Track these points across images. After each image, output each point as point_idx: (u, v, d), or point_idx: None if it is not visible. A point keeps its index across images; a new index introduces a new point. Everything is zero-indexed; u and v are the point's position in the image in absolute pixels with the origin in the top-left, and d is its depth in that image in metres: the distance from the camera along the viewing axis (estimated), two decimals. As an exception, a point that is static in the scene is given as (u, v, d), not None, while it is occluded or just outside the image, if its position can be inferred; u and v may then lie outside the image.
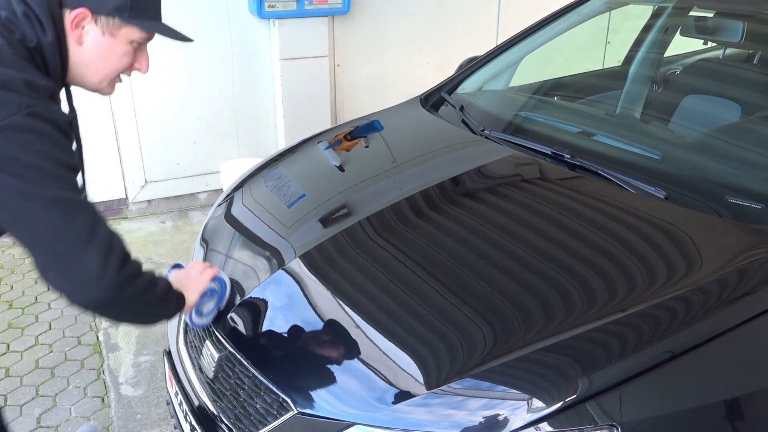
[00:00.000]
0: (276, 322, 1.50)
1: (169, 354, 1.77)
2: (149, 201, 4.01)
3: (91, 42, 1.16)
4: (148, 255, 3.50)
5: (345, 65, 4.24)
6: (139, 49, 1.23)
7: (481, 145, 2.01)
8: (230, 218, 2.00)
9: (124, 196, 3.95)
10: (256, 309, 1.54)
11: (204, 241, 1.97)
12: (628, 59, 2.87)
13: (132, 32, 1.18)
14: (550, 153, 1.86)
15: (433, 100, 2.48)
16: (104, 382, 2.55)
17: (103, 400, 2.47)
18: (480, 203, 1.73)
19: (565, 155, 1.81)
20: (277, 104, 4.04)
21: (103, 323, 2.91)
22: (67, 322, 2.93)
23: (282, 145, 4.05)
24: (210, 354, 1.52)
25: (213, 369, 1.49)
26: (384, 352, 1.31)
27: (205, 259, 1.91)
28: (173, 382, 1.66)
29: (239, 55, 3.91)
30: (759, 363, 1.26)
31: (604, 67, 3.47)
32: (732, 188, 1.66)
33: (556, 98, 2.61)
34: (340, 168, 2.10)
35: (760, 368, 1.26)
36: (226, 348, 1.48)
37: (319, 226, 1.74)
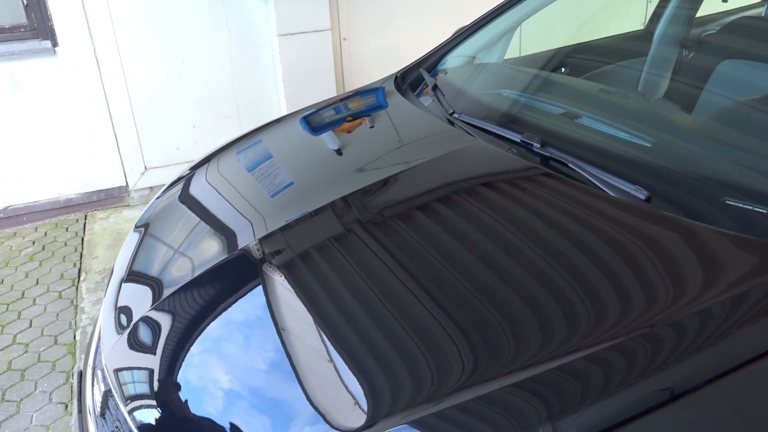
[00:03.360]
0: (178, 343, 1.28)
1: (80, 375, 1.59)
2: (151, 188, 3.88)
3: None
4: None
5: (351, 38, 3.95)
6: None
7: (445, 132, 1.71)
8: (179, 201, 1.80)
9: (125, 184, 3.83)
10: (164, 321, 1.32)
11: (146, 224, 1.78)
12: (654, 20, 2.47)
13: None
14: (519, 141, 1.54)
15: (411, 77, 2.19)
16: (71, 387, 2.43)
17: (66, 407, 2.35)
18: (423, 210, 1.44)
19: (534, 144, 1.49)
20: (278, 83, 3.81)
21: (83, 321, 2.80)
22: (48, 319, 2.83)
23: (286, 127, 3.83)
24: (98, 385, 1.32)
25: (99, 405, 1.30)
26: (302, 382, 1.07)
27: (140, 245, 1.71)
28: (76, 409, 1.47)
29: (236, 32, 3.69)
30: None
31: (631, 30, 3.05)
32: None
33: (556, 71, 2.25)
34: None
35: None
36: (108, 382, 1.28)
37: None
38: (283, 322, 1.19)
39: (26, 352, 2.65)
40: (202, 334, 1.25)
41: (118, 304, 1.50)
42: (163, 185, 2.16)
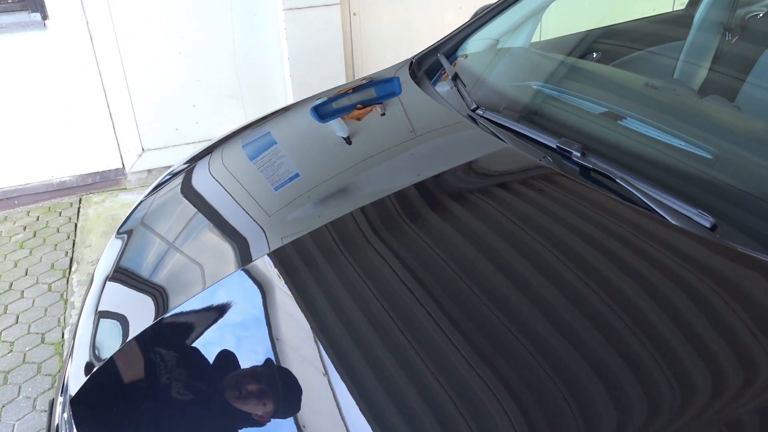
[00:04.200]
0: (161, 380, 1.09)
1: (51, 405, 1.41)
2: (149, 171, 3.68)
3: None
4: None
5: (362, 13, 3.69)
6: None
7: (468, 133, 1.49)
8: (180, 197, 1.61)
9: (121, 166, 3.63)
10: (147, 360, 1.13)
11: (130, 230, 1.59)
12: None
13: None
14: (555, 147, 1.33)
15: (428, 63, 1.96)
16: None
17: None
18: (444, 237, 1.23)
19: (573, 152, 1.27)
20: (283, 61, 3.57)
21: (72, 317, 2.63)
22: (35, 314, 2.66)
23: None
24: (62, 418, 1.14)
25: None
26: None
27: (125, 248, 1.53)
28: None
29: (239, 5, 3.44)
30: None
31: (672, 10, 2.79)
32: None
33: (587, 58, 2.02)
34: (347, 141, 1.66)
35: None
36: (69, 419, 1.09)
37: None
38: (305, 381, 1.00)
39: (11, 351, 2.49)
40: (198, 384, 1.06)
41: (96, 332, 1.31)
42: (163, 170, 1.97)
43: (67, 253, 3.11)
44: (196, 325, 1.16)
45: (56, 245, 3.17)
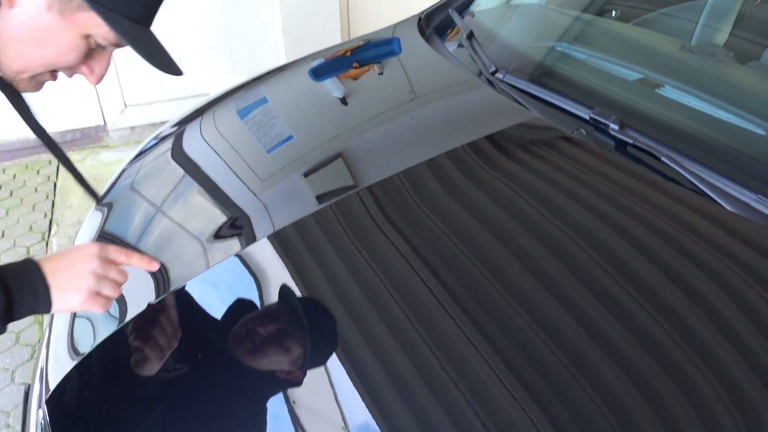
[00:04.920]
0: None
1: (27, 391, 1.28)
2: (132, 128, 3.49)
3: (26, 11, 0.73)
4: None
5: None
6: (97, 51, 0.80)
7: (485, 99, 1.35)
8: (170, 162, 1.48)
9: (102, 123, 3.44)
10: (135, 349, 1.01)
11: (111, 202, 1.45)
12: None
13: (94, 23, 0.74)
14: (588, 119, 1.19)
15: (439, 19, 1.80)
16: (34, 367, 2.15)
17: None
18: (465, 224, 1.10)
19: (609, 124, 1.14)
20: (275, 14, 3.36)
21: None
22: (13, 280, 2.51)
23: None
24: (40, 416, 1.02)
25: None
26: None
27: (108, 219, 1.40)
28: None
29: (227, -49, 3.22)
30: None
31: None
32: None
33: (614, 14, 1.86)
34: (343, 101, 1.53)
35: None
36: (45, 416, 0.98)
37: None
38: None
39: (-12, 319, 2.35)
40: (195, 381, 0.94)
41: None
42: (146, 127, 1.81)
43: (46, 214, 2.95)
44: (188, 314, 1.04)
45: (34, 206, 3.00)
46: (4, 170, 3.28)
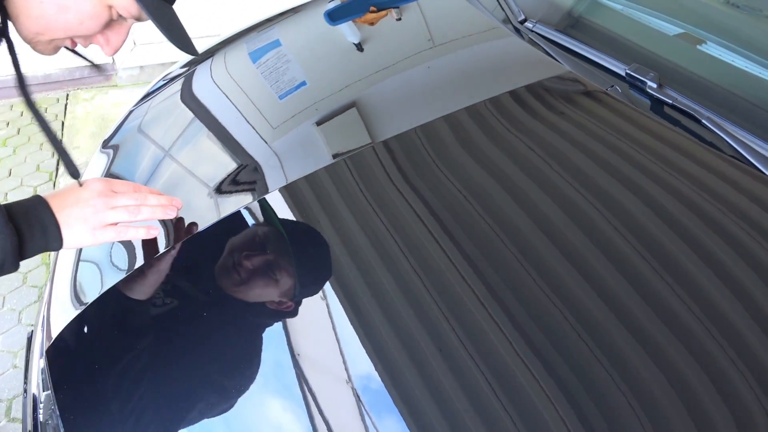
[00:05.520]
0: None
1: (30, 339, 1.26)
2: (141, 67, 3.41)
3: None
4: (128, 137, 2.97)
5: None
6: (117, 23, 0.81)
7: (513, 49, 1.27)
8: (178, 103, 1.42)
9: (111, 61, 3.35)
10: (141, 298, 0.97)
11: (117, 145, 1.40)
12: None
13: None
14: (624, 75, 1.11)
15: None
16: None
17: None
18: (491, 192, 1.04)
19: (647, 81, 1.06)
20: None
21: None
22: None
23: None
24: (42, 382, 1.00)
25: (41, 410, 0.98)
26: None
27: (109, 168, 1.35)
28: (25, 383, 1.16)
29: None
30: None
31: None
32: None
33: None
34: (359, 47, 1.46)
35: None
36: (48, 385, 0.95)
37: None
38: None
39: (-5, 258, 2.34)
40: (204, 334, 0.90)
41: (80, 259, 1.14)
42: (156, 66, 1.74)
43: (53, 154, 2.90)
44: (196, 266, 1.00)
45: (42, 144, 2.95)
46: (11, 106, 3.22)
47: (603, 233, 0.85)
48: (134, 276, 0.99)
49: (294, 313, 0.87)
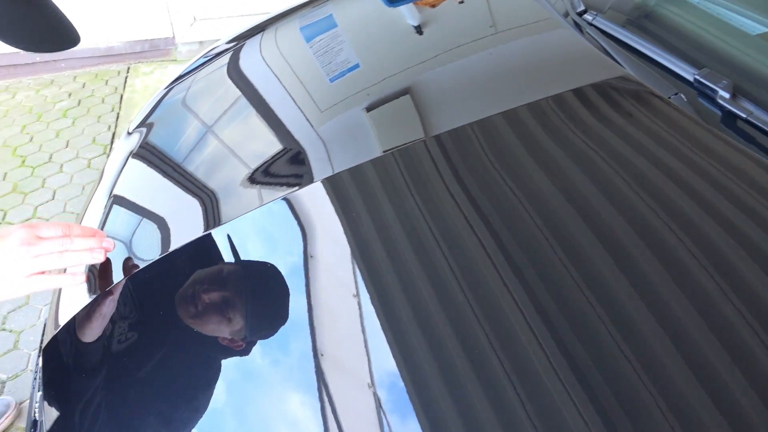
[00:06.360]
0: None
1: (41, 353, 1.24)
2: (200, 42, 3.40)
3: None
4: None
5: None
6: None
7: (568, 44, 1.13)
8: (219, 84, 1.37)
9: (171, 35, 3.36)
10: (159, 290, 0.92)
11: (150, 125, 1.36)
12: None
13: None
14: (692, 81, 0.97)
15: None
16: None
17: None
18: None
19: (719, 90, 0.91)
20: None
21: (109, 199, 2.49)
22: (72, 192, 2.53)
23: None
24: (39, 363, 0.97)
25: (36, 409, 0.95)
26: None
27: (144, 139, 1.32)
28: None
29: None
30: None
31: None
32: None
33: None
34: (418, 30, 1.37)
35: None
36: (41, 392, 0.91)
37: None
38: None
39: (45, 229, 2.39)
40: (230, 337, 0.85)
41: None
42: (211, 42, 1.69)
43: (109, 127, 2.93)
44: (190, 273, 0.93)
45: (99, 117, 2.99)
46: (74, 77, 3.28)
47: (655, 250, 0.72)
48: (136, 277, 0.94)
49: (326, 319, 0.80)
